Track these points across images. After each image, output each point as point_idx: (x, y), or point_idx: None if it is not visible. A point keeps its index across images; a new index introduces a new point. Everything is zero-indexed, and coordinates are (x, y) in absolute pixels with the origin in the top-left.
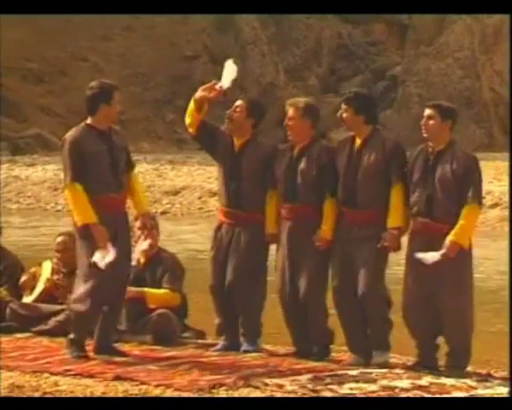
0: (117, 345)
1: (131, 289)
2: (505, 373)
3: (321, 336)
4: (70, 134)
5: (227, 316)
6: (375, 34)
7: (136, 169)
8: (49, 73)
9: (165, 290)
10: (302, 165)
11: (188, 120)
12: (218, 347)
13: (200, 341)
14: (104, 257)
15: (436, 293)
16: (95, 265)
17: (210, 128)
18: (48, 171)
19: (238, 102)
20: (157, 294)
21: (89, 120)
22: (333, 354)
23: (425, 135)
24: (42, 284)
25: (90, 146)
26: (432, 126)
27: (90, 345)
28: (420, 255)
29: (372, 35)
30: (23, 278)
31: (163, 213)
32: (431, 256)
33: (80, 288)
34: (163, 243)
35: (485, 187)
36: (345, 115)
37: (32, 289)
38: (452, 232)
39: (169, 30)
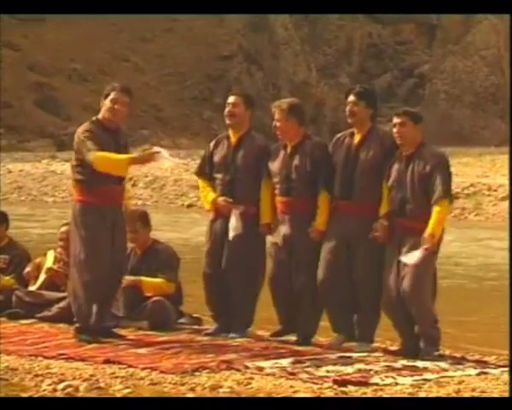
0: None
1: (128, 278)
2: (479, 357)
3: (307, 322)
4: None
5: (218, 305)
6: (404, 34)
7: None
8: (92, 73)
9: (161, 279)
10: (296, 161)
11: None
12: (210, 330)
13: (195, 327)
14: None
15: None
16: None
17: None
18: None
19: (233, 99)
20: (153, 282)
21: (99, 115)
22: (319, 339)
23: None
24: (44, 274)
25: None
26: (406, 132)
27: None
28: (403, 259)
29: (401, 35)
30: (27, 269)
31: (189, 205)
32: (412, 256)
33: (75, 280)
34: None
35: (498, 180)
36: (356, 109)
37: (37, 278)
38: (429, 228)
39: (206, 31)
